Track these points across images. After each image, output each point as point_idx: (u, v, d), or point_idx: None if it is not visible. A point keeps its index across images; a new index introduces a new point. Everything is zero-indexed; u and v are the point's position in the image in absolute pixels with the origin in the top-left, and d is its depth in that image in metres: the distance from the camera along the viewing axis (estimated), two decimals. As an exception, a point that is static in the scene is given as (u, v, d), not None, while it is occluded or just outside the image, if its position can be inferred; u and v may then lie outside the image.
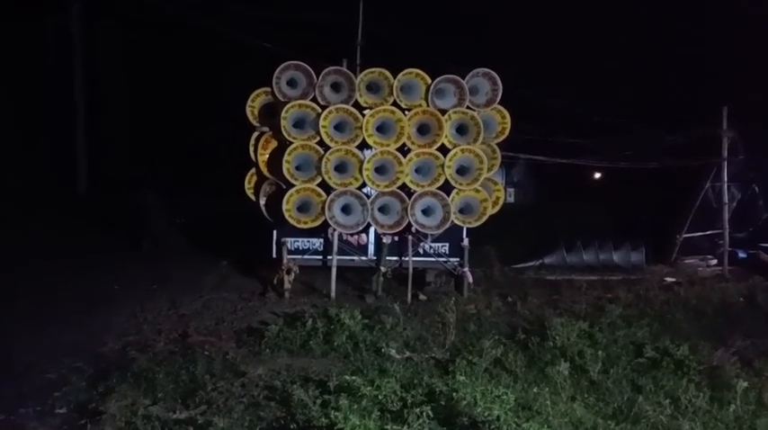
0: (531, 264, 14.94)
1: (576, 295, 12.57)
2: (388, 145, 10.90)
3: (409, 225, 11.13)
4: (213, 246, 12.65)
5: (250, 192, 11.57)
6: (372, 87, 11.35)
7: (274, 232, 11.68)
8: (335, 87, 11.34)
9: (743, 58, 14.68)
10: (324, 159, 10.80)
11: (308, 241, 11.68)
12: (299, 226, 10.95)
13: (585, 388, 7.73)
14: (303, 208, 11.05)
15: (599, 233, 15.63)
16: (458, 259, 11.99)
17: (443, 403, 6.56)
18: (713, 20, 15.01)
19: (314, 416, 6.19)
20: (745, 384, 7.01)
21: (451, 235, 11.75)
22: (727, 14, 14.80)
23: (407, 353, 8.67)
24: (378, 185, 10.98)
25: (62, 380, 7.47)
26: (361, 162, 10.88)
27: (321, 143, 10.98)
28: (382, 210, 11.18)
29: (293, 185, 10.92)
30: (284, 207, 10.81)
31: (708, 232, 15.62)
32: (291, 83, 11.32)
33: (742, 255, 15.32)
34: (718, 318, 11.19)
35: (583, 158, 14.68)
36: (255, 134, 11.43)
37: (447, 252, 12.05)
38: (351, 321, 9.20)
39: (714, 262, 15.46)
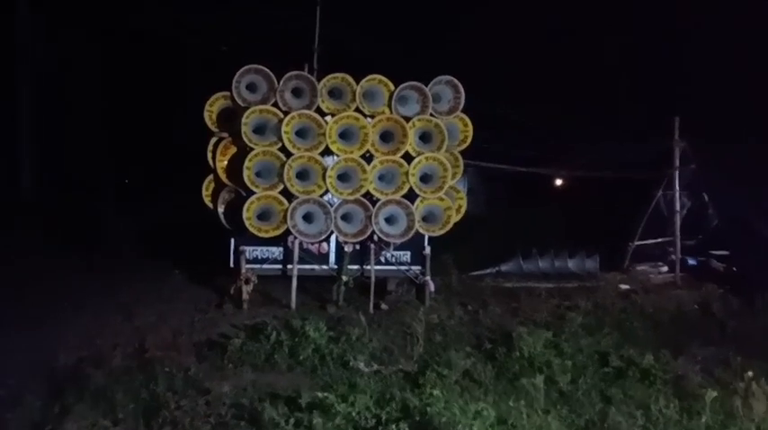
0: (487, 271, 14.91)
1: (535, 303, 12.67)
2: (351, 152, 10.72)
3: (372, 233, 10.94)
4: (167, 256, 12.20)
5: (208, 200, 11.22)
6: (335, 93, 11.16)
7: (232, 241, 11.33)
8: (297, 93, 11.10)
9: (694, 70, 15.03)
10: (286, 166, 10.54)
11: (268, 250, 11.38)
12: (259, 235, 10.66)
13: (556, 399, 7.69)
14: (264, 216, 10.76)
15: (554, 240, 15.73)
16: (419, 267, 11.85)
17: (418, 419, 6.40)
18: (667, 33, 15.35)
19: (287, 437, 5.95)
20: (714, 394, 7.06)
21: (413, 243, 11.63)
22: (679, 27, 15.15)
23: (375, 366, 8.53)
24: (341, 193, 10.79)
25: (14, 399, 7.02)
26: (325, 169, 10.66)
27: (282, 149, 10.70)
28: (345, 218, 10.98)
29: (254, 193, 10.61)
30: (244, 215, 10.50)
31: (658, 239, 15.88)
32: (251, 87, 11.03)
33: (692, 262, 15.64)
34: (674, 326, 11.38)
35: (539, 167, 14.76)
36: (214, 140, 11.09)
37: (409, 260, 11.91)
38: (315, 333, 9.00)
39: (665, 269, 15.72)
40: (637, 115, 15.35)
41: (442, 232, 11.29)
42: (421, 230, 11.16)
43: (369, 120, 10.95)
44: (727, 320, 11.40)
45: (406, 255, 11.93)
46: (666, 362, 8.63)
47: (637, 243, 15.66)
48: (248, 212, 10.54)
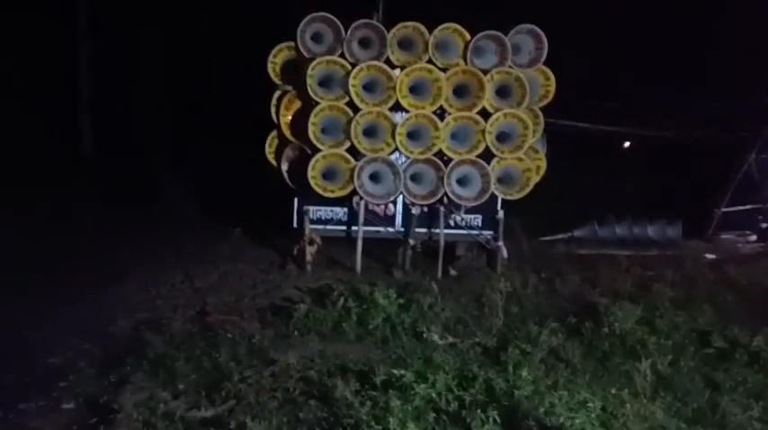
0: (560, 237, 14.03)
1: (615, 273, 11.79)
2: (423, 107, 9.91)
3: (444, 195, 10.19)
4: (228, 215, 11.73)
5: (271, 157, 10.63)
6: (405, 44, 10.33)
7: (295, 200, 10.76)
8: (364, 43, 10.32)
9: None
10: (353, 122, 9.82)
11: (332, 210, 10.78)
12: (324, 194, 10.03)
13: (655, 384, 6.88)
14: (329, 175, 10.12)
15: (632, 206, 14.74)
16: (491, 232, 11.09)
17: (506, 403, 5.71)
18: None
19: (362, 419, 5.35)
20: None
21: (485, 206, 10.84)
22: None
23: (450, 339, 7.85)
24: (411, 152, 10.03)
25: (68, 367, 6.63)
26: (394, 126, 9.90)
27: (349, 104, 9.98)
28: (414, 179, 10.25)
29: (319, 150, 9.95)
30: (309, 173, 9.88)
31: (747, 206, 14.70)
32: (317, 37, 10.30)
33: (780, 231, 14.43)
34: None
35: (622, 125, 13.68)
36: (277, 93, 10.43)
37: (480, 224, 11.16)
38: (385, 301, 8.37)
39: (754, 238, 14.59)
40: (731, 68, 14.01)
41: (521, 195, 10.47)
42: (497, 193, 10.36)
43: (442, 73, 10.08)
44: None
45: (477, 219, 11.18)
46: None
47: (723, 209, 14.52)
48: (313, 171, 9.91)
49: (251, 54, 11.09)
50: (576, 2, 13.72)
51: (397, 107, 10.10)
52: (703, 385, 6.90)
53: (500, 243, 11.08)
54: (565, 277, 11.22)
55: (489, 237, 11.14)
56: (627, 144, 20.12)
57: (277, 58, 10.45)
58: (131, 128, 14.15)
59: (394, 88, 9.87)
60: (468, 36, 10.25)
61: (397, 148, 10.06)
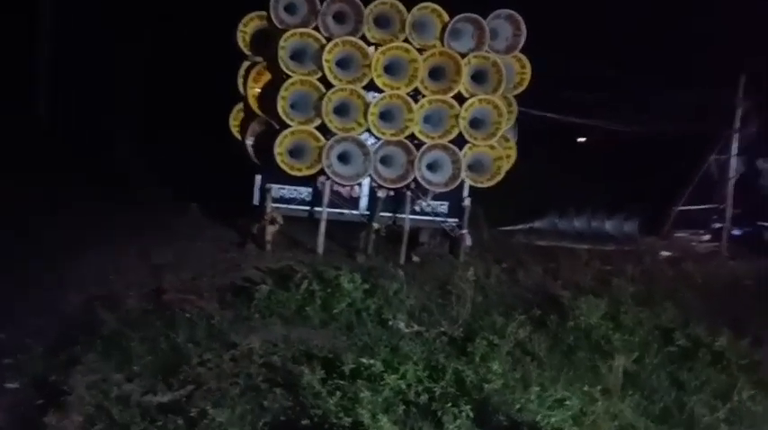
0: (520, 227, 14.00)
1: (575, 265, 11.80)
2: (398, 88, 9.65)
3: (414, 180, 9.97)
4: (187, 190, 11.25)
5: (235, 131, 10.23)
6: (381, 21, 10.02)
7: (258, 177, 10.38)
8: (340, 18, 9.97)
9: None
10: (325, 99, 9.49)
11: (296, 190, 10.45)
12: (291, 172, 9.70)
13: (621, 381, 6.83)
14: (296, 152, 9.79)
15: (592, 200, 14.79)
16: (456, 220, 10.93)
17: (476, 397, 5.56)
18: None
19: (330, 410, 5.12)
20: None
21: (451, 193, 10.66)
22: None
23: (416, 327, 7.67)
24: (383, 133, 9.77)
25: (15, 344, 6.18)
26: (367, 105, 9.61)
27: (321, 80, 9.64)
28: (384, 161, 10.00)
29: (288, 126, 9.60)
30: (276, 150, 9.53)
31: (703, 206, 14.92)
32: (290, 8, 9.91)
33: (737, 232, 14.70)
34: (730, 300, 10.47)
35: (591, 119, 13.64)
36: (246, 64, 10.01)
37: (446, 211, 10.97)
38: (350, 285, 8.13)
39: (707, 237, 14.83)
40: (697, 67, 14.10)
41: (491, 184, 10.33)
42: (467, 180, 10.18)
43: (419, 53, 9.82)
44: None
45: (443, 206, 11.00)
46: (739, 345, 7.71)
47: (681, 208, 14.70)
48: (280, 147, 9.56)
49: (219, 22, 10.62)
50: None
51: (370, 86, 9.78)
52: (669, 383, 6.89)
53: (464, 231, 10.94)
54: (527, 268, 11.17)
55: (454, 224, 10.97)
56: (582, 139, 20.22)
57: (247, 28, 10.03)
58: (89, 99, 13.39)
59: (369, 66, 9.57)
60: (446, 17, 10.00)
61: (368, 129, 9.75)
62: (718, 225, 14.71)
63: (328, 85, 9.65)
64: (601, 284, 10.67)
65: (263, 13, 9.95)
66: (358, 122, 9.72)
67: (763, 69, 13.53)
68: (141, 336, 6.48)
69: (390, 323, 7.49)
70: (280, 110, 9.50)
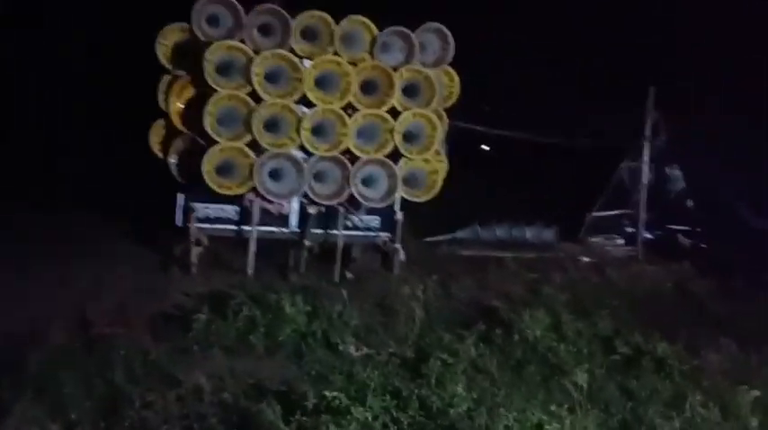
0: (443, 238, 14.02)
1: (503, 275, 11.90)
2: (331, 102, 9.38)
3: (350, 196, 9.73)
4: (103, 211, 10.53)
5: (157, 148, 9.66)
6: (308, 34, 9.74)
7: (179, 196, 9.85)
8: (265, 30, 9.62)
9: (673, 39, 14.41)
10: (255, 114, 9.11)
11: (221, 208, 9.99)
12: (220, 191, 9.26)
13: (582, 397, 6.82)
14: (224, 170, 9.35)
15: (507, 208, 15.01)
16: (388, 234, 10.78)
17: (445, 424, 5.38)
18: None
19: (299, 451, 4.79)
20: (757, 392, 6.39)
21: (383, 207, 10.49)
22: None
23: (365, 350, 7.42)
24: (317, 148, 9.47)
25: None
26: (299, 120, 9.30)
27: (251, 95, 9.26)
28: (318, 177, 9.70)
29: (215, 142, 9.14)
30: (204, 168, 9.06)
31: (617, 212, 15.46)
32: (212, 20, 9.48)
33: (648, 236, 15.30)
34: (653, 305, 10.81)
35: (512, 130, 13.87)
36: (167, 78, 9.49)
37: (378, 226, 10.80)
38: (292, 309, 7.78)
39: (621, 242, 15.36)
40: (610, 83, 14.62)
41: (427, 197, 10.22)
42: (405, 195, 10.03)
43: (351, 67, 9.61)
44: (706, 301, 10.92)
45: (375, 221, 10.82)
46: (678, 351, 7.91)
47: (595, 214, 15.16)
48: (208, 165, 9.08)
49: (136, 33, 10.02)
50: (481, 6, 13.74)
51: (301, 101, 9.47)
52: (619, 394, 6.93)
53: (398, 245, 10.79)
54: (458, 280, 11.13)
55: (386, 238, 10.81)
56: (485, 147, 20.48)
57: (167, 40, 9.51)
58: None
59: (300, 80, 9.26)
60: (375, 30, 9.85)
61: (301, 144, 9.43)
62: (630, 229, 15.23)
63: (257, 100, 9.26)
64: (531, 294, 10.78)
65: (185, 24, 9.46)
66: (290, 138, 9.38)
67: (670, 81, 14.23)
68: (73, 377, 5.89)
69: (340, 348, 7.18)
70: (207, 126, 9.04)
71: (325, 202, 9.79)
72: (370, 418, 5.25)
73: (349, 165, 9.64)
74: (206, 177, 9.09)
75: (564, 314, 8.90)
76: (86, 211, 10.63)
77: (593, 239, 15.23)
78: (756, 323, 9.44)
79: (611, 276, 12.08)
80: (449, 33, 10.24)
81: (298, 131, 9.34)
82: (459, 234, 14.21)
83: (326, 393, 5.46)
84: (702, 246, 13.88)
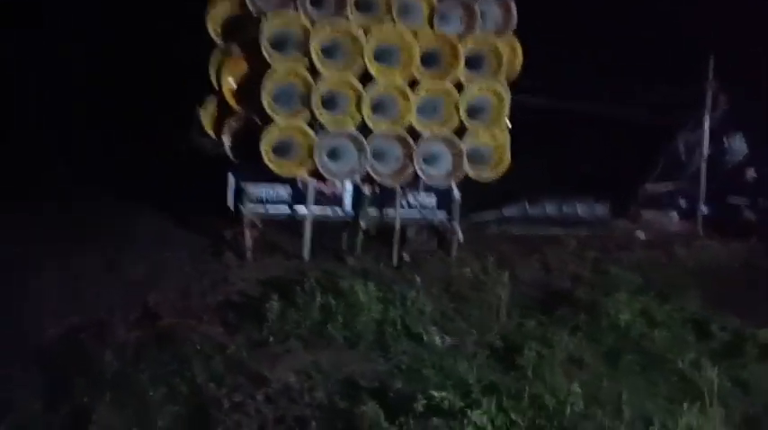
0: (489, 215, 13.45)
1: (563, 255, 11.37)
2: (393, 75, 8.80)
3: (414, 175, 9.19)
4: (149, 193, 10.05)
5: (209, 128, 9.13)
6: (362, 5, 9.12)
7: (230, 176, 9.36)
8: (317, 1, 9.01)
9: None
10: (314, 90, 8.55)
11: (273, 189, 9.49)
12: (280, 172, 8.74)
13: (678, 385, 6.32)
14: (281, 150, 8.82)
15: (557, 183, 14.41)
16: (446, 213, 10.24)
17: (566, 426, 4.88)
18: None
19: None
20: None
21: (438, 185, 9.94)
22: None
23: (449, 340, 6.92)
24: (379, 126, 8.90)
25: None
26: (360, 96, 8.72)
27: (309, 69, 8.70)
28: (377, 155, 9.14)
29: (271, 121, 8.61)
30: (262, 148, 8.52)
31: (669, 185, 14.82)
32: (261, -11, 8.89)
33: (704, 210, 14.67)
34: (732, 286, 10.21)
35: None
36: (218, 53, 8.93)
37: (434, 204, 10.27)
38: (365, 296, 7.30)
39: (675, 217, 14.75)
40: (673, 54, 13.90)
41: (495, 176, 9.63)
42: (469, 173, 9.46)
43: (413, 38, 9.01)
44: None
45: (430, 199, 10.28)
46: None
47: (648, 188, 14.54)
48: (266, 145, 8.55)
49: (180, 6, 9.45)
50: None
51: (363, 75, 8.89)
52: (731, 385, 6.39)
53: (456, 225, 10.26)
54: (517, 261, 10.64)
55: (444, 218, 10.29)
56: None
57: (216, 12, 8.92)
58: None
59: (360, 53, 8.67)
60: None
61: (363, 121, 8.87)
62: (685, 203, 14.62)
63: (315, 75, 8.70)
64: (599, 275, 10.26)
65: (233, -6, 8.88)
66: (350, 115, 8.81)
67: (731, 50, 13.49)
68: (151, 377, 5.44)
69: (425, 338, 6.68)
70: (264, 103, 8.48)
71: (386, 182, 9.24)
72: (486, 422, 4.74)
73: (411, 142, 9.07)
74: (264, 158, 8.56)
75: (647, 297, 8.33)
76: (129, 192, 10.14)
77: (645, 214, 14.64)
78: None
79: (678, 254, 11.48)
80: (512, 1, 9.57)
81: (358, 108, 8.76)
82: (507, 212, 13.64)
83: (434, 393, 4.95)
84: (769, 219, 13.22)
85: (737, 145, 14.93)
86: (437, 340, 6.74)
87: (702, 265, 11.13)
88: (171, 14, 10.47)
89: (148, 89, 10.94)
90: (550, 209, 14.04)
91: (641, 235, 13.34)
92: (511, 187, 13.78)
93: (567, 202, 14.10)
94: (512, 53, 9.76)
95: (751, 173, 14.58)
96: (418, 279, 8.02)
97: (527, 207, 13.80)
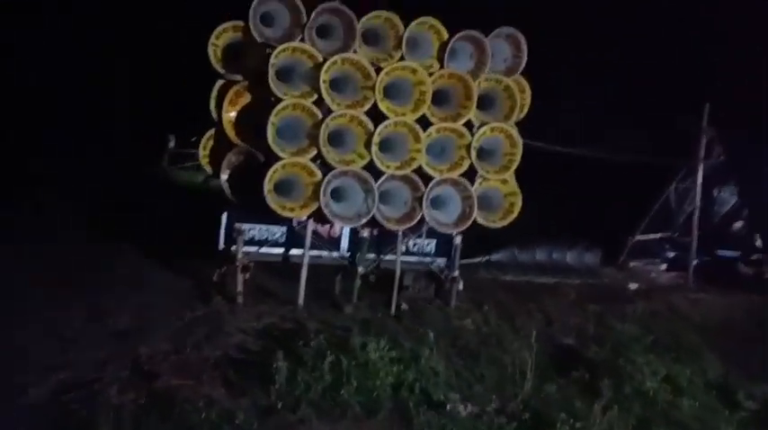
0: (477, 260, 13.02)
1: (562, 306, 10.98)
2: (403, 113, 8.33)
3: (422, 220, 8.68)
4: (135, 233, 9.33)
5: (205, 162, 8.52)
6: (370, 38, 8.69)
7: (224, 216, 8.72)
8: (324, 32, 8.55)
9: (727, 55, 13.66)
10: (322, 126, 8.02)
11: (267, 230, 8.92)
12: (283, 213, 8.14)
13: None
14: (283, 189, 8.24)
15: (545, 229, 14.08)
16: (445, 260, 9.75)
17: None
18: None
19: None
20: None
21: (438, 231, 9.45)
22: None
23: (470, 407, 6.37)
24: (387, 166, 8.40)
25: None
26: (370, 133, 8.22)
27: (316, 104, 8.19)
28: (383, 198, 8.62)
29: (276, 157, 8.04)
30: (266, 186, 7.92)
31: (658, 235, 14.64)
32: (267, 18, 8.39)
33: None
34: (738, 342, 9.93)
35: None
36: (219, 83, 8.37)
37: (433, 251, 9.78)
38: (375, 354, 6.71)
39: (663, 267, 14.56)
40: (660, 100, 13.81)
41: (504, 223, 9.17)
42: (480, 220, 8.99)
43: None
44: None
45: (429, 244, 9.79)
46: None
47: (639, 237, 14.32)
48: (270, 184, 7.96)
49: (183, 34, 8.88)
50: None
51: (372, 112, 8.40)
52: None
53: (456, 273, 9.77)
54: (515, 311, 10.20)
55: (443, 265, 9.80)
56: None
57: (219, 41, 8.37)
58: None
59: (372, 88, 8.19)
60: (445, 34, 8.79)
61: (371, 161, 8.34)
62: (671, 254, 14.44)
63: (324, 111, 8.19)
64: (604, 329, 9.88)
65: (239, 23, 8.35)
66: (359, 154, 8.30)
67: (726, 98, 13.43)
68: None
69: (448, 407, 6.11)
70: (270, 138, 7.91)
71: (393, 227, 8.71)
72: None
73: (421, 184, 8.57)
74: (268, 197, 7.96)
75: (667, 359, 7.93)
76: (115, 235, 9.37)
77: (633, 263, 14.41)
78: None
79: (679, 306, 11.19)
80: (522, 40, 9.22)
81: (367, 146, 8.26)
82: (495, 256, 13.23)
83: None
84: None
85: (727, 197, 14.91)
86: (460, 409, 6.16)
87: (706, 319, 10.83)
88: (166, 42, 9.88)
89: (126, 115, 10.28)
90: (540, 255, 13.69)
91: (633, 285, 13.06)
92: (500, 231, 13.44)
93: (557, 250, 13.78)
94: (521, 93, 9.39)
95: (738, 225, 14.52)
96: (431, 335, 7.42)
97: (516, 253, 13.41)
